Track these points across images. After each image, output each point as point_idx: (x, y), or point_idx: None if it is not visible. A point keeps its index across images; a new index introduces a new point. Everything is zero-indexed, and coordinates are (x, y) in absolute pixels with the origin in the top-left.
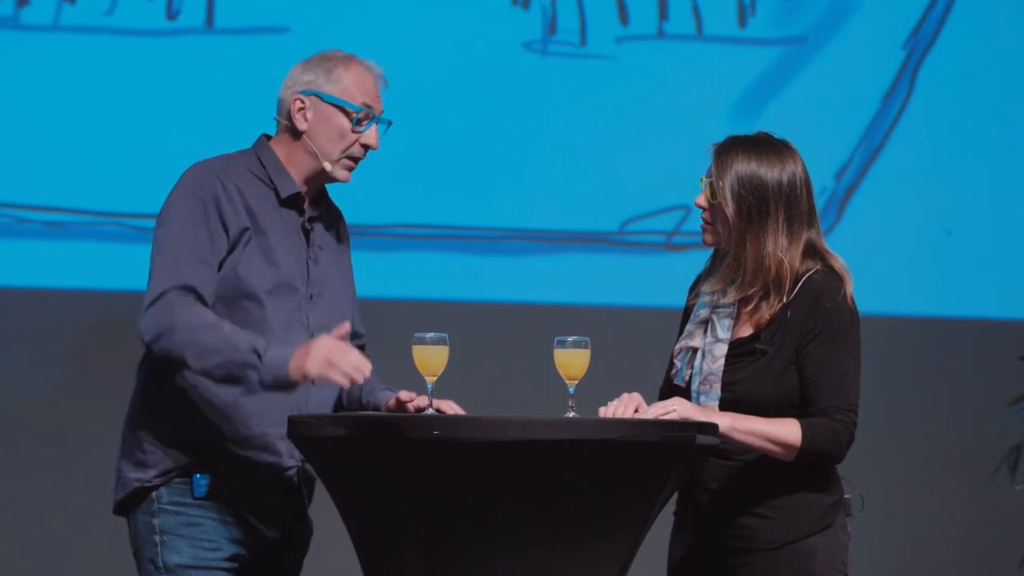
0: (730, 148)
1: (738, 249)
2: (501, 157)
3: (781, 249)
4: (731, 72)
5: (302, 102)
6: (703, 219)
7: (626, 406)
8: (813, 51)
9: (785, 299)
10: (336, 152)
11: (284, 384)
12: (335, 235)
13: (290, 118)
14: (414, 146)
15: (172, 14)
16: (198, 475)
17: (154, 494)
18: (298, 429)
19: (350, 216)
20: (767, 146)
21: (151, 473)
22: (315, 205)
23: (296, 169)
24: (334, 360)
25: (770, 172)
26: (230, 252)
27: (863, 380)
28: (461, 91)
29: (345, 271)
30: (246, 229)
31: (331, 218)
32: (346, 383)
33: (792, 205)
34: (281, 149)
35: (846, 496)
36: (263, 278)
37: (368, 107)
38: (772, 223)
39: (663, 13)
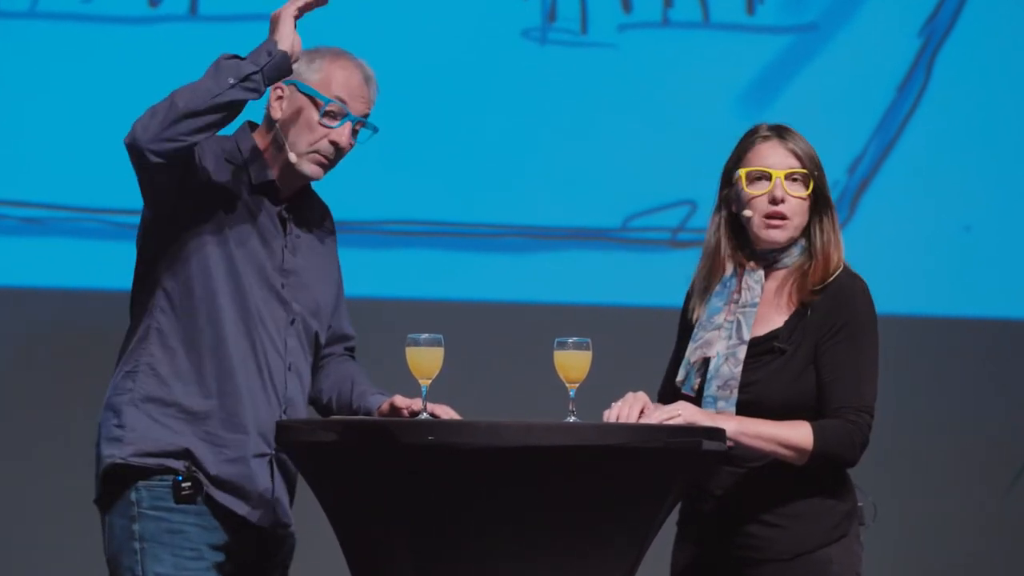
0: (790, 132)
1: (818, 234)
2: (498, 150)
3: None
4: (739, 61)
5: (282, 90)
6: (781, 214)
7: (631, 407)
8: (825, 39)
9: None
10: (302, 144)
11: (284, 59)
12: (319, 232)
13: (269, 105)
14: (407, 139)
15: (154, 1)
16: (180, 476)
17: (133, 496)
18: (287, 435)
19: (340, 211)
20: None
21: (127, 451)
22: (296, 199)
23: (271, 160)
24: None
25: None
26: (184, 208)
27: (879, 384)
28: (457, 81)
29: (328, 267)
30: (205, 190)
31: (315, 215)
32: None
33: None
34: (260, 139)
35: (859, 504)
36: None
37: (342, 101)
38: (831, 211)
39: (668, 0)
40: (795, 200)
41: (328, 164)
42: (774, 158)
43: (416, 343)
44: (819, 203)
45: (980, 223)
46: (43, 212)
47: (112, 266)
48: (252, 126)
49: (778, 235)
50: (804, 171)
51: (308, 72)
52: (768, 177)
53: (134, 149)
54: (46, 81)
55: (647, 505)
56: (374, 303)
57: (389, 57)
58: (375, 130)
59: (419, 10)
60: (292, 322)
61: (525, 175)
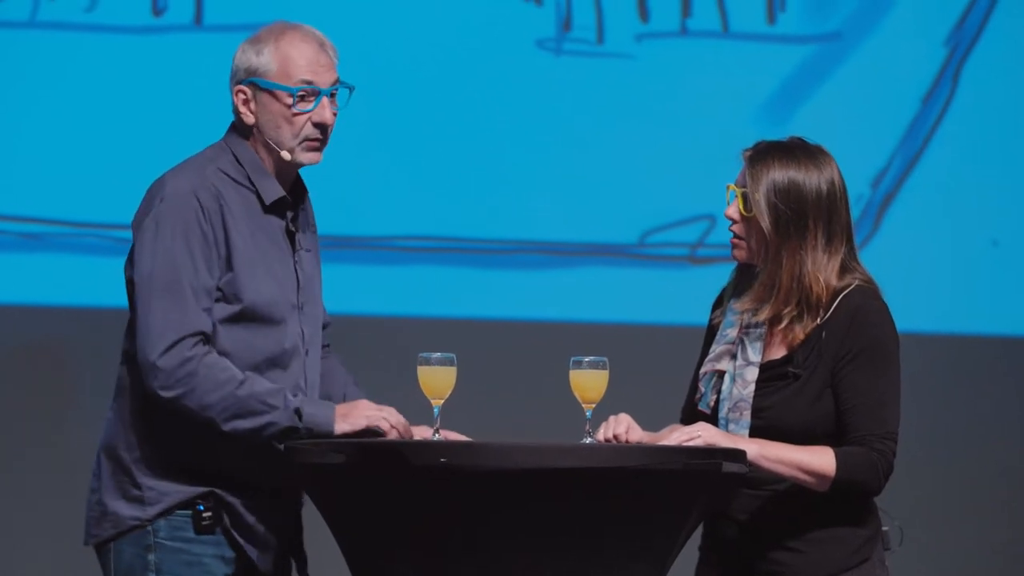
0: (764, 155)
1: (773, 266)
2: (512, 164)
3: (820, 266)
4: (759, 72)
5: (244, 92)
6: (734, 233)
7: (617, 423)
8: (848, 49)
9: (820, 319)
10: (288, 139)
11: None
12: (308, 222)
13: (238, 113)
14: (418, 152)
15: (158, 10)
16: (201, 506)
17: (149, 525)
18: (295, 456)
19: (350, 227)
20: (803, 153)
21: (152, 511)
22: (294, 197)
23: (271, 167)
24: (384, 411)
25: (808, 182)
26: (223, 275)
27: (903, 403)
28: (469, 93)
29: (317, 258)
30: (233, 248)
31: (307, 209)
32: (397, 432)
33: (832, 219)
34: (253, 146)
35: (884, 528)
36: (262, 298)
37: (308, 83)
38: (811, 238)
39: (686, 9)
40: (748, 220)
41: (321, 144)
42: (736, 176)
43: (428, 362)
44: (780, 232)
45: (1008, 237)
46: (42, 227)
47: (114, 283)
48: (237, 128)
49: (736, 254)
50: (742, 190)
51: (260, 64)
52: (732, 195)
53: (160, 390)
54: (46, 92)
55: (666, 528)
56: (385, 320)
57: (402, 68)
58: (351, 89)
59: (432, 20)
60: (307, 352)
61: (540, 189)
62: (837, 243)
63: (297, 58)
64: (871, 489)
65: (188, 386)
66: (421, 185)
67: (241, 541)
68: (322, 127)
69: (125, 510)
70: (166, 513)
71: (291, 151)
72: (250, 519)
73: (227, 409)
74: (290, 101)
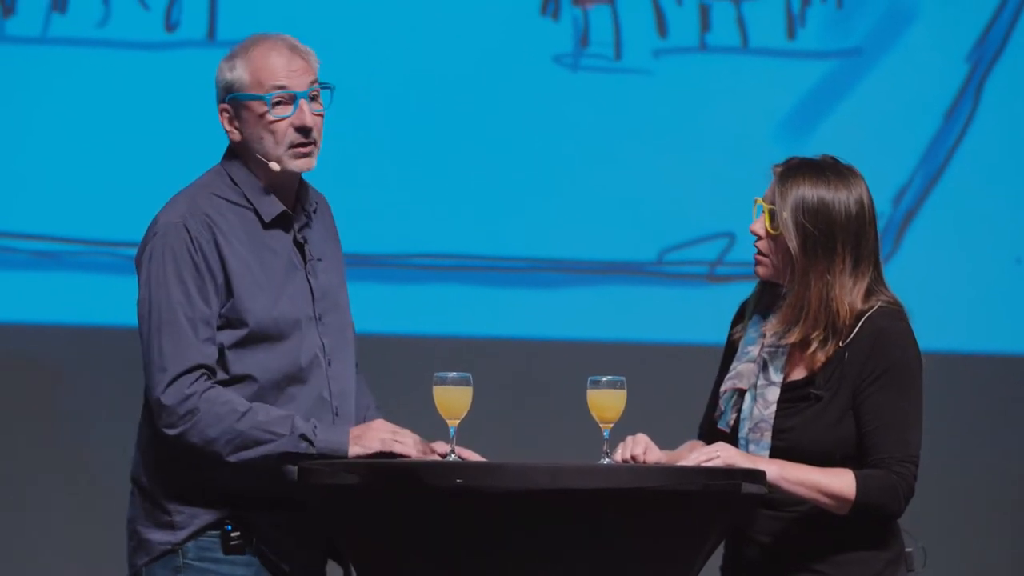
0: (794, 173)
1: (801, 289)
2: (529, 180)
3: (846, 291)
4: (779, 88)
5: (227, 111)
6: (758, 249)
7: (635, 443)
8: (868, 64)
9: (843, 341)
10: (273, 148)
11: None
12: (326, 233)
13: (227, 132)
14: (433, 169)
15: (171, 25)
16: (229, 527)
17: (180, 549)
18: (307, 477)
19: (364, 245)
20: (834, 172)
21: (182, 535)
22: (299, 207)
23: (268, 182)
24: (398, 435)
25: (837, 203)
26: (224, 303)
27: (926, 423)
28: (485, 108)
29: (338, 265)
30: (231, 273)
31: (318, 216)
32: (414, 453)
33: (860, 242)
34: (247, 165)
35: (907, 550)
36: (269, 317)
37: (281, 87)
38: (839, 261)
39: (705, 24)
40: (774, 238)
41: (309, 150)
42: (765, 191)
43: (443, 382)
44: (807, 254)
45: None
46: (55, 245)
47: (129, 302)
48: (231, 149)
49: (759, 271)
50: (770, 206)
51: (234, 78)
52: (759, 210)
53: (165, 428)
54: (59, 108)
55: (685, 550)
56: (400, 340)
57: (418, 84)
58: (332, 89)
59: (449, 36)
60: (330, 364)
61: (556, 206)
62: (864, 267)
63: (268, 65)
64: (891, 512)
65: (190, 422)
66: (436, 202)
67: (275, 559)
68: (303, 130)
69: (156, 536)
70: (196, 535)
71: (279, 160)
72: (282, 536)
73: (230, 442)
74: (265, 109)
